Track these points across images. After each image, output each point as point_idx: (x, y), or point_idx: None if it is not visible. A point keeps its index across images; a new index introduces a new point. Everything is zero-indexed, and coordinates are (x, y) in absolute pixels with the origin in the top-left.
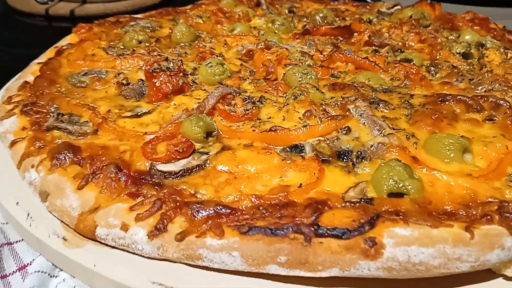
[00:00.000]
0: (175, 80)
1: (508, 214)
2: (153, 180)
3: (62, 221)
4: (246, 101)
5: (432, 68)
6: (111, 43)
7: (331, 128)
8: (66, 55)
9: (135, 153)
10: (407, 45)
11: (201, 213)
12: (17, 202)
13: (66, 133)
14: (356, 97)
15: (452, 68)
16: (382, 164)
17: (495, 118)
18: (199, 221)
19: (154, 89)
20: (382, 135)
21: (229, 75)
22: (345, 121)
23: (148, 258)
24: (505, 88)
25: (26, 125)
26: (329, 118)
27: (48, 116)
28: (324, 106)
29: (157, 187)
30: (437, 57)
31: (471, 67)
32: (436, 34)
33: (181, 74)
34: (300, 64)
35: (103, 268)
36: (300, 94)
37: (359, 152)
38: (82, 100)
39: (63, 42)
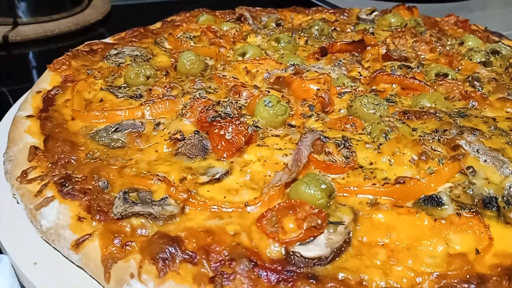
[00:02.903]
0: (244, 129)
1: None
2: (302, 270)
3: None
4: (340, 147)
5: (476, 83)
6: (106, 80)
7: (456, 170)
8: (63, 103)
9: (253, 234)
10: (420, 56)
11: None
12: None
13: (149, 219)
14: (460, 130)
15: (494, 81)
16: None
17: None
18: None
19: (223, 143)
20: None
21: (291, 113)
22: (465, 161)
23: None
24: None
25: (81, 214)
26: (451, 160)
27: (105, 196)
28: (431, 143)
29: (312, 280)
30: (459, 68)
31: (500, 77)
32: (441, 42)
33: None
34: (355, 92)
35: None
36: (390, 130)
37: (504, 197)
38: (135, 167)
39: (43, 84)
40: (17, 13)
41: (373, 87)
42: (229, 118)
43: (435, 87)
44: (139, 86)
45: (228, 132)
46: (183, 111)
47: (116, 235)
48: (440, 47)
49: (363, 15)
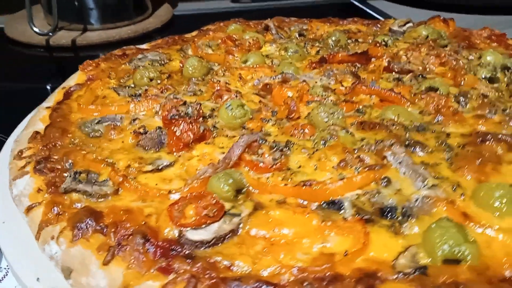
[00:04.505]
0: (195, 128)
1: None
2: (184, 251)
3: None
4: (274, 149)
5: (462, 98)
6: (121, 81)
7: (370, 180)
8: (75, 98)
9: (162, 217)
10: (428, 69)
11: None
12: (38, 278)
13: (85, 195)
14: (392, 141)
15: (482, 98)
16: (433, 225)
17: None
18: None
19: (174, 138)
20: (425, 187)
21: (251, 117)
22: (383, 171)
23: None
24: None
25: (42, 186)
26: (367, 169)
27: (65, 174)
28: (357, 153)
29: (189, 260)
30: (462, 83)
31: (499, 94)
32: (456, 56)
33: (201, 119)
34: (325, 101)
35: None
36: (330, 138)
37: (404, 209)
38: (98, 154)
39: (71, 81)
40: (88, 20)
41: (353, 98)
42: (187, 118)
43: (416, 100)
44: (143, 86)
45: (179, 129)
46: (158, 109)
47: (56, 205)
48: (454, 61)
49: (395, 26)
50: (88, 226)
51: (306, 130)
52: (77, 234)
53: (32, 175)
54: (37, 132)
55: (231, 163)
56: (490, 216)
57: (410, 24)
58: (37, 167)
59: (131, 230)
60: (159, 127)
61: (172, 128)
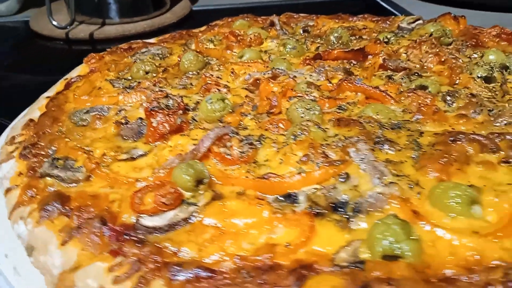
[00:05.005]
0: (172, 120)
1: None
2: (137, 236)
3: None
4: (243, 142)
5: (449, 98)
6: (119, 74)
7: (329, 175)
8: (73, 89)
9: (124, 203)
10: (425, 67)
11: (179, 276)
12: (6, 255)
13: (58, 180)
14: (358, 137)
15: (470, 97)
16: (378, 221)
17: (511, 160)
18: (177, 285)
19: (151, 129)
20: (382, 184)
21: (230, 110)
22: (344, 167)
23: None
24: None
25: (23, 170)
26: (327, 164)
27: (45, 160)
28: (324, 148)
29: (139, 245)
30: (457, 82)
31: (493, 94)
32: (457, 54)
33: (181, 111)
34: (306, 96)
35: None
36: (300, 133)
37: (356, 204)
38: (80, 142)
39: (73, 73)
40: (107, 15)
41: (339, 95)
42: (166, 110)
43: (402, 98)
44: (139, 79)
45: (155, 121)
46: (144, 98)
47: (31, 188)
48: (453, 60)
49: (404, 23)
50: (54, 209)
51: (281, 125)
52: (43, 215)
53: (17, 159)
54: (31, 120)
55: (199, 155)
56: (442, 215)
57: (420, 22)
58: (22, 152)
59: (93, 214)
60: (141, 118)
61: (150, 119)
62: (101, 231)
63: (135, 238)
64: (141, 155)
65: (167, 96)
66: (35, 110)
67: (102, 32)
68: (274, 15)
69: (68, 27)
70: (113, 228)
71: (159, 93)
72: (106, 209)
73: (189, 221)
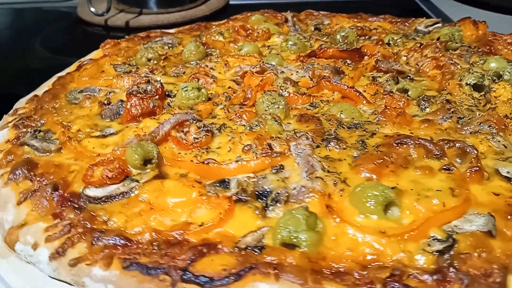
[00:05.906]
0: (145, 103)
1: (394, 285)
2: (78, 203)
3: None
4: (201, 129)
5: (423, 102)
6: (128, 59)
7: (265, 165)
8: (81, 71)
9: (79, 174)
10: (421, 71)
11: (100, 241)
12: None
13: (33, 149)
14: (306, 133)
15: (445, 103)
16: (290, 212)
17: (453, 168)
18: (96, 249)
19: (126, 111)
20: (308, 178)
21: (204, 99)
22: (282, 159)
23: (53, 278)
24: (495, 131)
25: (11, 138)
26: (264, 155)
27: (28, 130)
28: (272, 141)
29: (77, 211)
30: (445, 88)
31: (475, 102)
32: (457, 60)
33: (157, 97)
34: (281, 91)
35: (11, 280)
36: (257, 125)
37: (277, 194)
38: (65, 117)
39: (88, 57)
40: (145, 4)
41: (318, 92)
42: (143, 94)
43: (377, 99)
44: (142, 65)
45: (129, 103)
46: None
47: (11, 154)
48: (451, 65)
49: (421, 26)
50: (20, 173)
51: (244, 116)
52: (11, 178)
53: (10, 128)
54: (36, 95)
55: (158, 137)
56: (356, 213)
57: (439, 25)
58: (15, 123)
59: (50, 181)
60: (122, 100)
61: (127, 101)
62: (51, 196)
63: (76, 205)
64: (112, 134)
65: (149, 82)
66: (44, 87)
67: (138, 21)
68: (289, 11)
69: (104, 14)
70: (61, 195)
71: (144, 78)
72: (63, 177)
73: (126, 195)
